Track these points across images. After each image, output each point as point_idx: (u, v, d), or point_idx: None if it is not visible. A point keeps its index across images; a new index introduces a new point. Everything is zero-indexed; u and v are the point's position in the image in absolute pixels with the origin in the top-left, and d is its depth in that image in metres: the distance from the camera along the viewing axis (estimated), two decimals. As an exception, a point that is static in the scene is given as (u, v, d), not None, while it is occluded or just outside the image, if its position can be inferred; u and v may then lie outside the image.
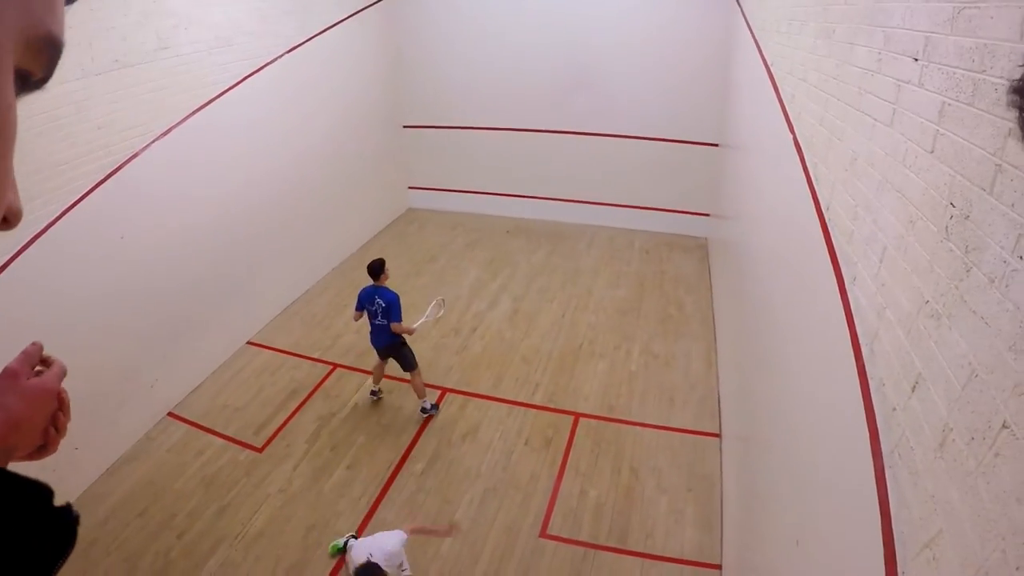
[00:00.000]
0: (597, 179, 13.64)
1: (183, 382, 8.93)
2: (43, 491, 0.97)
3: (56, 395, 1.22)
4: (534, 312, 10.61)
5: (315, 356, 9.67)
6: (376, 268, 7.94)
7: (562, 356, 9.43)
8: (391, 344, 8.09)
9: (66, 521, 1.02)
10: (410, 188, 15.30)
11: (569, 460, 7.49)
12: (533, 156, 13.89)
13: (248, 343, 10.06)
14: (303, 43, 10.60)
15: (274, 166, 10.22)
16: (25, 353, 1.20)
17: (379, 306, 7.89)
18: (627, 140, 13.03)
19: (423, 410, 8.28)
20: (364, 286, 8.09)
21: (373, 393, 8.63)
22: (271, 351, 9.87)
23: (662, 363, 9.19)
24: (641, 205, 13.50)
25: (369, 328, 8.17)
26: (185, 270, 8.61)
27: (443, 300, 9.04)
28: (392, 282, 10.61)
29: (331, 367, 9.38)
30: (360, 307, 8.00)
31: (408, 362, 8.15)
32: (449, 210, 15.02)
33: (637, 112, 12.76)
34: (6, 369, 1.16)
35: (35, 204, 6.53)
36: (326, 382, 9.07)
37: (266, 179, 10.06)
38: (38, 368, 1.23)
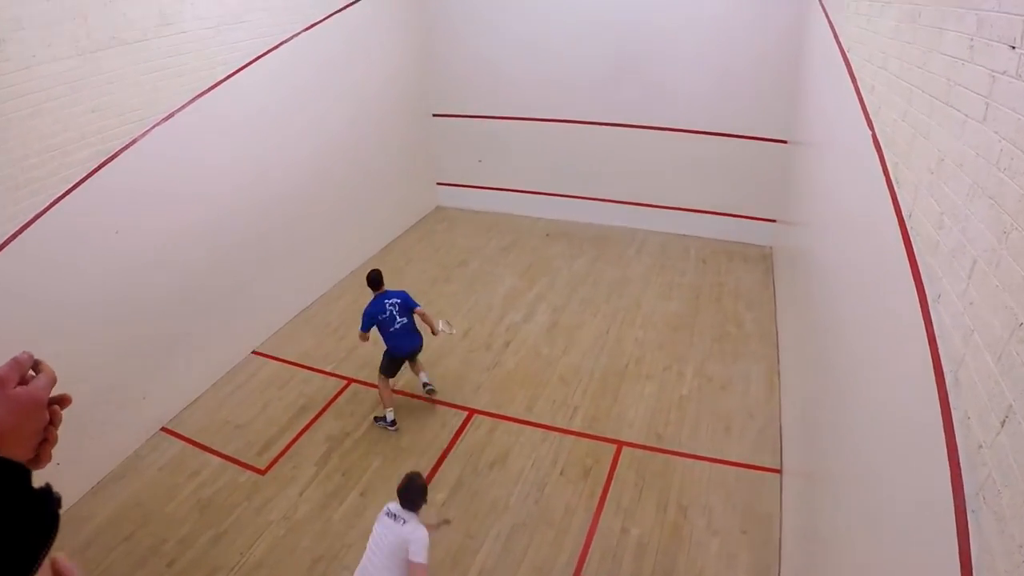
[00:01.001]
0: (649, 178, 13.60)
1: (179, 394, 9.05)
2: (18, 471, 0.99)
3: (44, 404, 1.24)
4: (575, 326, 10.61)
5: (328, 369, 9.76)
6: (377, 278, 8.57)
7: (605, 376, 9.41)
8: (420, 344, 8.65)
9: (46, 503, 1.03)
10: (439, 184, 15.41)
11: (609, 494, 7.44)
12: (577, 151, 13.90)
13: (253, 353, 10.18)
14: (322, 20, 10.72)
15: (288, 157, 10.36)
16: (15, 360, 1.23)
17: (394, 306, 8.39)
18: (683, 135, 12.98)
19: (380, 420, 8.61)
20: (367, 304, 8.54)
21: (392, 423, 8.50)
22: (279, 362, 9.98)
23: (717, 387, 9.12)
24: (698, 208, 13.44)
25: (388, 341, 8.46)
26: (185, 270, 8.73)
27: (449, 323, 9.01)
28: (417, 288, 10.71)
29: (345, 382, 9.45)
30: (369, 324, 8.39)
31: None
32: (482, 209, 15.09)
33: (695, 103, 12.71)
34: None
35: (21, 194, 6.66)
36: (339, 399, 9.13)
37: (278, 171, 10.20)
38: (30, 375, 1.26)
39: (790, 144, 11.77)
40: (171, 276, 8.51)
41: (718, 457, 7.91)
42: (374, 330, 8.46)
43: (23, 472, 1.02)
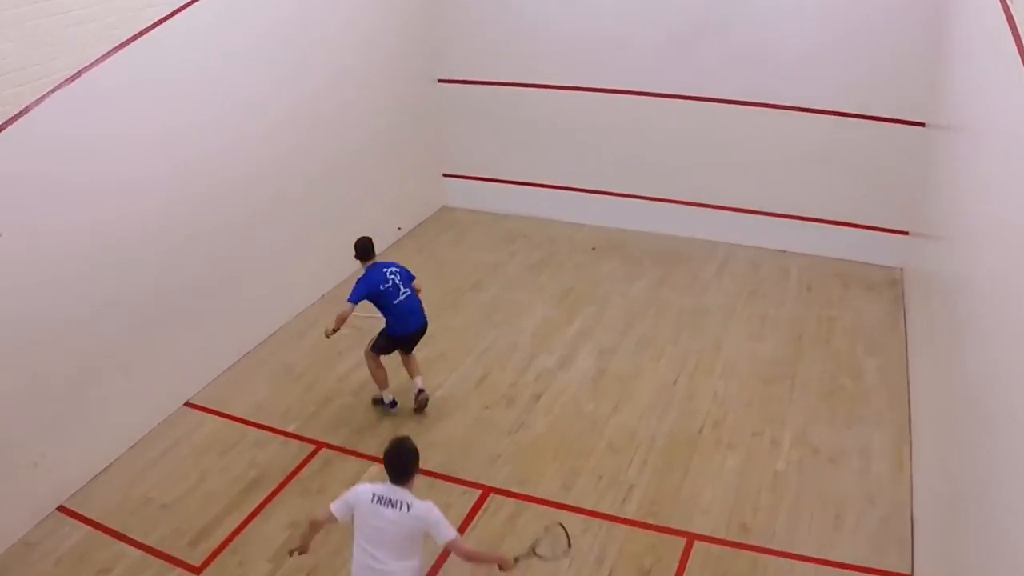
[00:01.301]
0: (734, 172, 13.61)
1: (84, 461, 9.01)
2: None
3: None
4: (630, 375, 10.61)
5: (289, 430, 9.80)
6: (368, 245, 9.65)
7: (671, 445, 9.37)
8: (426, 323, 9.80)
9: None
10: (445, 176, 15.51)
11: (677, 607, 7.44)
12: (633, 133, 13.96)
13: (187, 405, 10.25)
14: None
15: (238, 138, 10.42)
16: None
17: (394, 275, 9.49)
18: (782, 113, 12.98)
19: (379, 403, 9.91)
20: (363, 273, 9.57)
21: (392, 404, 9.87)
22: (222, 418, 10.03)
23: (825, 461, 9.05)
24: (802, 215, 13.44)
25: (389, 316, 9.51)
26: (91, 291, 8.70)
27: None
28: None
29: (314, 447, 9.48)
30: (364, 293, 9.35)
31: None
32: (503, 212, 15.17)
33: (797, 70, 12.70)
34: None
35: None
36: (304, 470, 9.15)
37: (226, 158, 10.24)
38: None
39: (930, 128, 11.71)
40: (75, 297, 8.47)
41: (825, 557, 7.83)
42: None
43: None
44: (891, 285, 12.61)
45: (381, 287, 9.26)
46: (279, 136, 11.05)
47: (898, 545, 7.92)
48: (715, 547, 7.99)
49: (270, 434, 9.72)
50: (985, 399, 5.59)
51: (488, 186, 15.22)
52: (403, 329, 9.47)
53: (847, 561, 7.78)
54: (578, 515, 8.39)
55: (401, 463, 6.03)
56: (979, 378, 5.92)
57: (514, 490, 8.77)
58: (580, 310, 12.10)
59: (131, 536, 8.29)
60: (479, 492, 8.73)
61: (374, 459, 9.04)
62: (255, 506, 8.64)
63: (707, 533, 8.15)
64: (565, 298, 12.43)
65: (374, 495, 5.99)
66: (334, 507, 6.13)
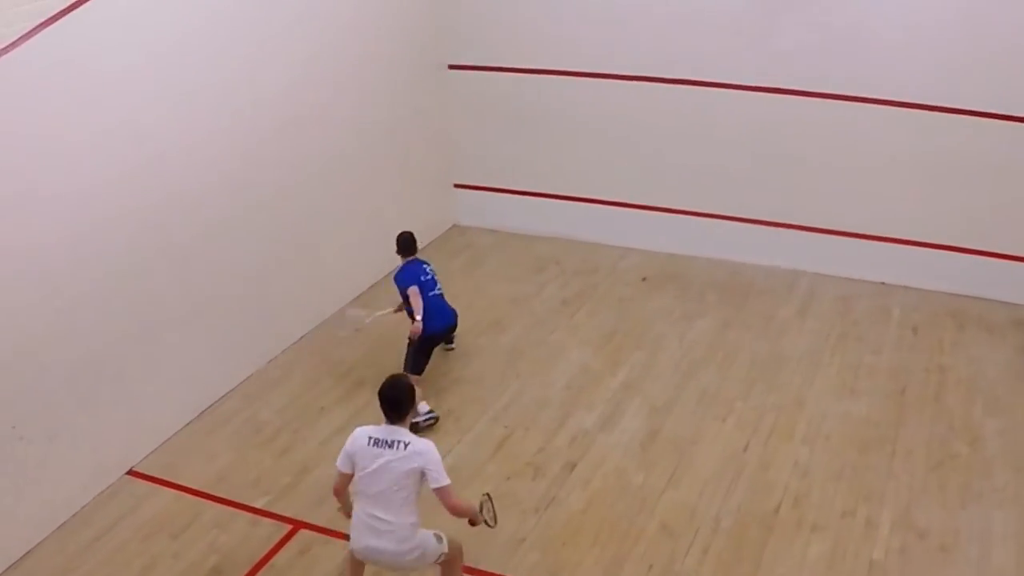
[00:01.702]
0: (820, 184, 13.70)
1: (4, 543, 8.96)
2: None
3: None
4: (689, 439, 10.66)
5: (259, 506, 9.83)
6: (411, 240, 11.47)
7: (741, 527, 9.39)
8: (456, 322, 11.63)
9: None
10: (457, 187, 15.65)
11: None
12: (694, 136, 14.08)
13: (130, 473, 10.30)
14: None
15: (197, 140, 10.48)
16: None
17: (431, 270, 11.45)
18: (880, 109, 13.03)
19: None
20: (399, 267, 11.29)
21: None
22: (174, 490, 10.07)
23: (935, 548, 9.05)
24: (905, 238, 13.51)
25: (426, 312, 10.90)
26: (15, 329, 8.73)
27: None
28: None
29: (289, 527, 9.51)
30: (412, 280, 11.09)
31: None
32: (527, 232, 15.33)
33: (901, 57, 12.75)
34: None
35: None
36: (277, 556, 9.16)
37: (183, 164, 10.30)
38: None
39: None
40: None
41: (934, 670, 7.95)
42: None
43: None
44: (1017, 327, 12.66)
45: (420, 280, 10.99)
46: (248, 137, 11.14)
47: (1026, 654, 8.02)
48: (797, 657, 8.12)
49: (234, 511, 9.73)
50: None
51: (510, 199, 15.35)
52: (439, 321, 11.09)
53: (962, 675, 7.88)
54: (624, 615, 8.51)
55: (395, 399, 7.03)
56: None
57: (544, 581, 8.90)
58: (626, 357, 12.19)
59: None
60: (498, 585, 8.87)
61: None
62: (217, 603, 8.74)
63: (786, 639, 8.26)
64: (608, 342, 12.53)
65: (370, 438, 7.00)
66: (338, 462, 7.20)
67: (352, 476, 7.13)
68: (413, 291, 10.85)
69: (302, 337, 12.52)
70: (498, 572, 8.88)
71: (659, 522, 9.47)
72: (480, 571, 8.84)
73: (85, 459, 9.79)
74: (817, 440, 10.59)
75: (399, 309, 11.44)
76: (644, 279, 14.01)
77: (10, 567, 8.99)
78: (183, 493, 10.03)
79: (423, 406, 10.58)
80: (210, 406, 11.35)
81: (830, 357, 12.12)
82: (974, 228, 13.08)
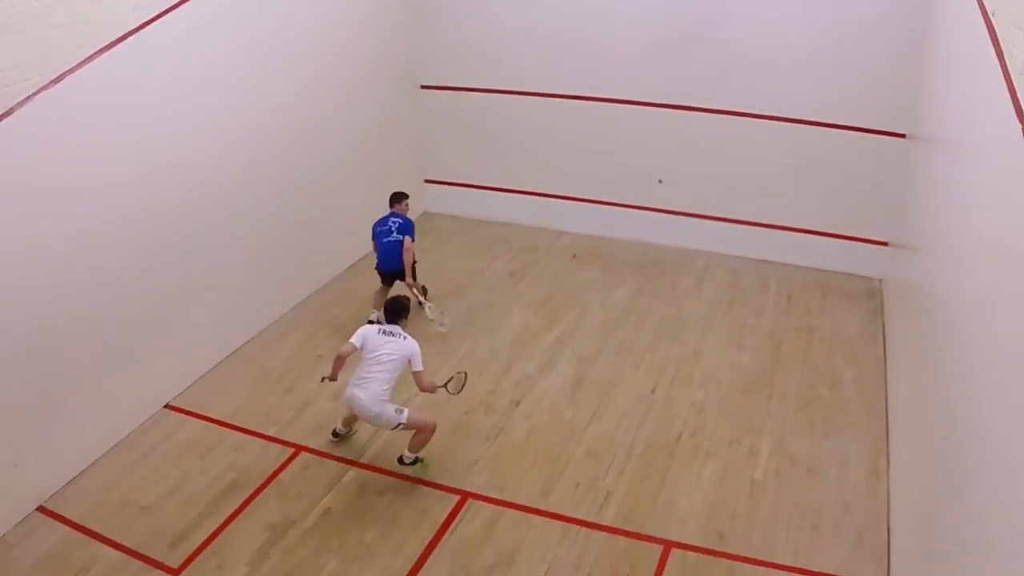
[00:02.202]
0: (715, 181, 13.67)
1: (63, 463, 8.99)
2: None
3: None
4: (609, 382, 10.64)
5: (269, 433, 9.79)
6: (400, 195, 11.97)
7: (649, 452, 9.41)
8: (398, 269, 11.59)
9: None
10: (427, 182, 15.51)
11: (653, 615, 7.47)
12: (617, 142, 14.00)
13: (167, 407, 10.23)
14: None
15: (218, 143, 10.41)
16: None
17: (394, 224, 11.59)
18: (763, 123, 13.04)
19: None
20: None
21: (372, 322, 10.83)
22: (201, 421, 10.02)
23: (803, 471, 9.11)
24: (782, 224, 13.52)
25: (376, 251, 11.64)
26: (74, 294, 8.70)
27: (443, 314, 10.63)
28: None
29: (292, 450, 9.47)
30: (373, 237, 11.75)
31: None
32: (484, 218, 15.21)
33: (781, 80, 12.77)
34: None
35: None
36: (283, 473, 9.14)
37: (205, 162, 10.23)
38: None
39: (911, 139, 11.79)
40: (53, 300, 8.46)
41: (802, 567, 7.87)
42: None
43: None
44: (870, 296, 12.70)
45: (379, 229, 11.62)
46: (257, 143, 11.01)
47: (874, 554, 7.98)
48: (692, 555, 8.03)
49: (249, 437, 9.70)
50: (962, 411, 5.64)
51: (469, 192, 15.23)
52: (380, 266, 11.70)
53: (824, 570, 7.83)
54: (556, 521, 8.42)
55: (397, 307, 9.20)
56: (956, 390, 5.97)
57: (492, 496, 8.78)
58: (560, 317, 12.13)
59: (110, 537, 8.26)
60: (457, 497, 8.75)
61: (352, 463, 9.13)
62: (234, 509, 8.63)
63: (684, 541, 8.19)
64: (545, 305, 12.46)
65: (380, 329, 8.89)
66: (353, 339, 8.77)
67: (356, 350, 8.70)
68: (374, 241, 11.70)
69: (301, 301, 12.39)
70: (457, 486, 8.90)
71: (585, 448, 9.47)
72: (442, 486, 8.85)
73: (132, 396, 9.80)
74: (710, 384, 10.60)
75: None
76: (574, 256, 13.92)
77: (71, 480, 9.04)
78: (209, 423, 10.00)
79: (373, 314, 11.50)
80: (229, 355, 11.24)
81: (721, 319, 12.10)
82: (835, 217, 13.13)
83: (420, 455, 8.93)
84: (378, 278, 11.81)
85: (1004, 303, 4.93)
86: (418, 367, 8.61)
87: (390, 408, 8.55)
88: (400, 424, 8.61)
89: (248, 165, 10.96)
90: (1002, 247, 5.18)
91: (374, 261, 11.75)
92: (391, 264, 11.46)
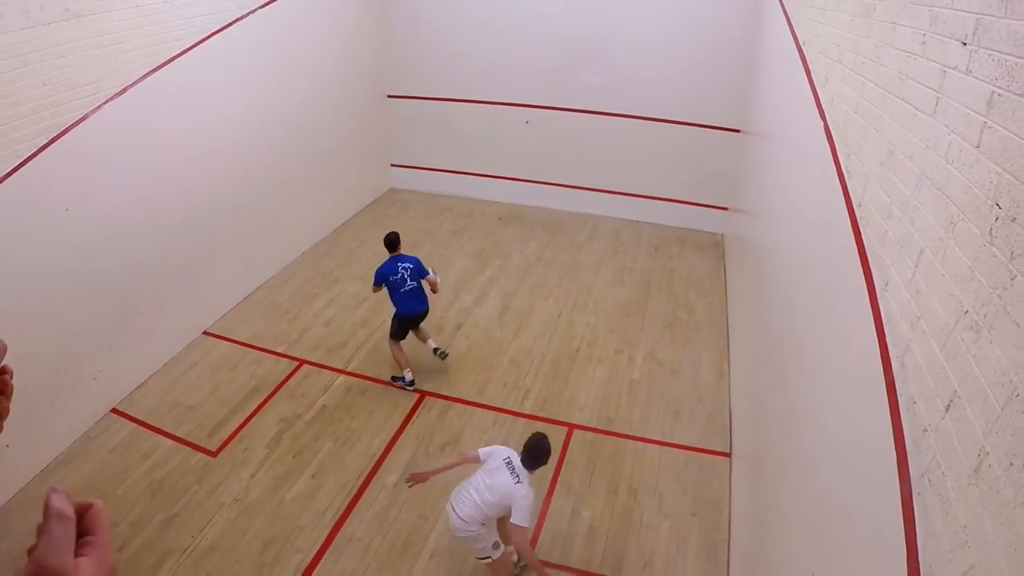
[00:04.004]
0: (602, 164, 13.68)
1: (129, 375, 8.91)
2: None
3: None
4: (526, 310, 10.65)
5: (279, 351, 9.68)
6: (394, 239, 8.81)
7: (556, 360, 9.47)
8: (423, 312, 8.90)
9: None
10: (392, 166, 15.31)
11: (560, 477, 7.51)
12: (531, 135, 13.90)
13: (204, 333, 10.07)
14: (278, -2, 10.63)
15: (239, 137, 10.22)
16: None
17: (405, 270, 8.61)
18: (637, 121, 13.06)
19: (398, 380, 9.00)
20: (381, 263, 8.82)
21: (411, 383, 8.86)
22: (230, 343, 9.88)
23: (668, 372, 9.23)
24: (651, 195, 13.56)
25: (397, 303, 8.70)
26: (135, 250, 8.58)
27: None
28: (368, 271, 10.71)
29: (297, 363, 9.39)
30: (379, 282, 8.68)
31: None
32: (435, 192, 15.05)
33: (650, 90, 12.78)
34: None
35: (-31, 168, 6.52)
36: (290, 380, 9.07)
37: (229, 151, 10.05)
38: None
39: (743, 133, 11.92)
40: (121, 255, 8.35)
41: (668, 441, 8.01)
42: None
43: None
44: (715, 246, 12.79)
45: (390, 279, 8.57)
46: (267, 138, 10.79)
47: (721, 432, 8.13)
48: (589, 434, 8.13)
49: (265, 354, 9.58)
50: (777, 327, 5.75)
51: (425, 173, 15.03)
52: (407, 313, 8.70)
53: (684, 444, 7.96)
54: (489, 411, 8.46)
55: (534, 456, 5.76)
56: (774, 312, 6.08)
57: (443, 393, 8.80)
58: (490, 263, 12.07)
59: (165, 430, 8.21)
60: (417, 395, 8.76)
61: (341, 371, 9.10)
62: (255, 407, 8.57)
63: (583, 424, 8.28)
64: (479, 255, 12.38)
65: (509, 459, 5.81)
66: (480, 450, 6.00)
67: (478, 459, 5.97)
68: (380, 289, 8.76)
69: (302, 253, 12.22)
70: (418, 388, 8.90)
71: (510, 358, 9.48)
72: (400, 388, 8.83)
73: (178, 325, 9.67)
74: (599, 310, 10.63)
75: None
76: (500, 219, 13.84)
77: (136, 388, 8.93)
78: (235, 344, 9.84)
79: (408, 374, 8.83)
80: (249, 294, 11.01)
81: (607, 263, 12.12)
82: (690, 189, 13.19)
83: None
84: (400, 327, 9.10)
85: (806, 249, 5.02)
86: (521, 522, 5.54)
87: (488, 537, 5.93)
88: (488, 558, 5.99)
89: (262, 154, 10.75)
90: (804, 210, 5.26)
91: (355, 227, 11.29)
92: (416, 309, 8.80)
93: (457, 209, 14.32)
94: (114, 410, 8.54)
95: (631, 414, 8.46)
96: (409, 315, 8.77)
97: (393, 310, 8.79)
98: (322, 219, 13.03)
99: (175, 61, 8.75)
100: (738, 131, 12.24)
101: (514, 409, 8.54)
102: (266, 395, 8.79)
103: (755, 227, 8.61)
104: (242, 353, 9.67)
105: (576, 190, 14.07)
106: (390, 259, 8.71)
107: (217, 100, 9.68)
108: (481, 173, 14.68)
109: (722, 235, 13.10)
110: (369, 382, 8.97)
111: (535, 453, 5.76)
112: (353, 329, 10.13)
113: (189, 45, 8.96)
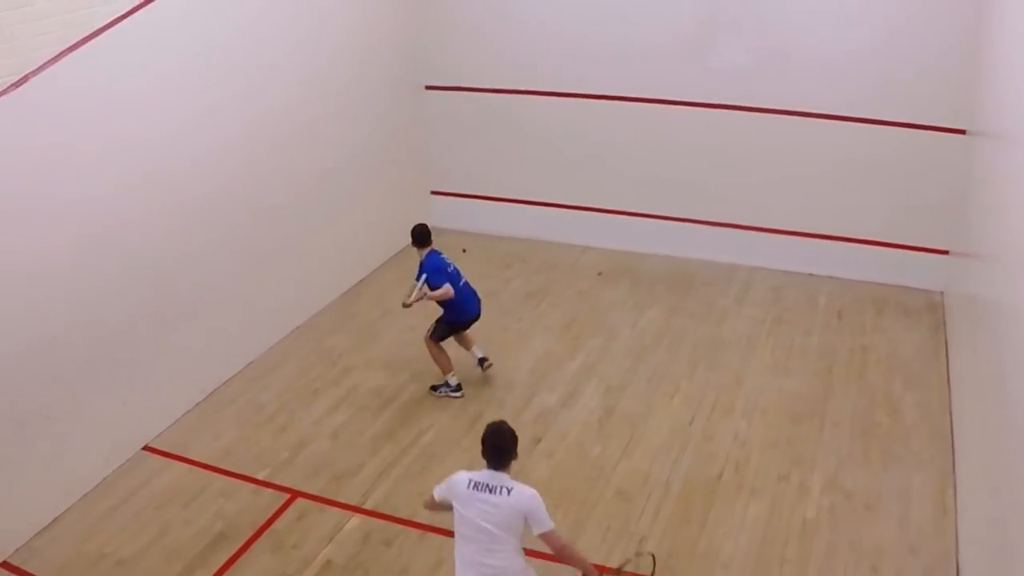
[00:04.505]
0: (755, 188, 13.69)
1: (29, 512, 8.95)
2: None
3: None
4: (641, 414, 10.61)
5: (261, 477, 9.76)
6: (426, 232, 10.62)
7: (688, 491, 9.36)
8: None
9: None
10: (433, 193, 15.54)
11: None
12: (640, 145, 14.05)
13: (146, 449, 10.22)
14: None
15: (201, 151, 10.42)
16: None
17: (454, 261, 10.86)
18: (807, 121, 13.06)
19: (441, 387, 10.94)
20: (427, 256, 10.65)
21: (458, 388, 10.90)
22: (184, 464, 10.01)
23: (860, 507, 9.04)
24: (829, 234, 13.50)
25: (455, 303, 10.60)
26: (39, 321, 8.70)
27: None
28: (398, 353, 10.87)
29: (288, 496, 9.45)
30: (444, 276, 10.49)
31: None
32: (495, 233, 15.23)
33: (823, 75, 12.80)
34: None
35: None
36: (278, 522, 9.10)
37: (188, 171, 10.27)
38: None
39: (971, 135, 11.78)
40: (15, 329, 8.48)
41: (866, 616, 7.88)
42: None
43: None
44: (931, 310, 12.66)
45: (449, 269, 10.47)
46: (249, 149, 11.07)
47: (944, 598, 7.95)
48: (739, 607, 8.03)
49: (238, 482, 9.69)
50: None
51: (480, 204, 15.25)
52: (468, 314, 10.69)
53: (889, 618, 7.81)
54: (584, 571, 8.40)
55: (499, 446, 6.28)
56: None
57: (514, 541, 8.75)
58: (584, 342, 12.13)
59: (80, 599, 8.28)
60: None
61: (355, 509, 9.11)
62: (222, 563, 8.60)
63: (729, 589, 8.17)
64: (567, 329, 12.47)
65: (470, 481, 6.26)
66: (436, 490, 6.52)
67: (439, 504, 6.55)
68: (447, 288, 10.36)
69: (296, 328, 12.43)
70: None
71: (615, 488, 9.44)
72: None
73: (105, 436, 9.79)
74: (755, 413, 10.56)
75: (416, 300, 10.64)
76: (599, 274, 13.94)
77: (40, 531, 9.03)
78: (193, 466, 10.00)
79: (452, 379, 10.79)
80: (216, 389, 11.25)
81: (765, 339, 12.08)
82: (889, 224, 13.11)
83: None
84: (450, 330, 10.91)
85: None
86: (545, 526, 6.08)
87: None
88: None
89: (239, 177, 11.03)
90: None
91: (379, 286, 11.69)
92: (478, 309, 10.91)
93: (532, 260, 14.44)
94: (5, 564, 8.63)
95: (804, 572, 8.31)
96: (469, 317, 10.39)
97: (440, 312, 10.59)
98: (327, 277, 13.22)
99: (103, 35, 8.93)
100: (963, 132, 12.11)
101: (623, 568, 8.44)
102: (240, 544, 8.81)
103: (1000, 279, 8.45)
104: (203, 480, 9.76)
105: (716, 228, 14.09)
106: (432, 252, 10.64)
107: (167, 95, 9.91)
108: (566, 204, 14.80)
109: (942, 293, 12.93)
110: (399, 525, 8.98)
111: (500, 444, 6.32)
112: (374, 444, 10.18)
113: (125, 11, 9.15)
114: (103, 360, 9.53)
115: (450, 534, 8.65)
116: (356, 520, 9.05)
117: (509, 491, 6.10)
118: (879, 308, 12.76)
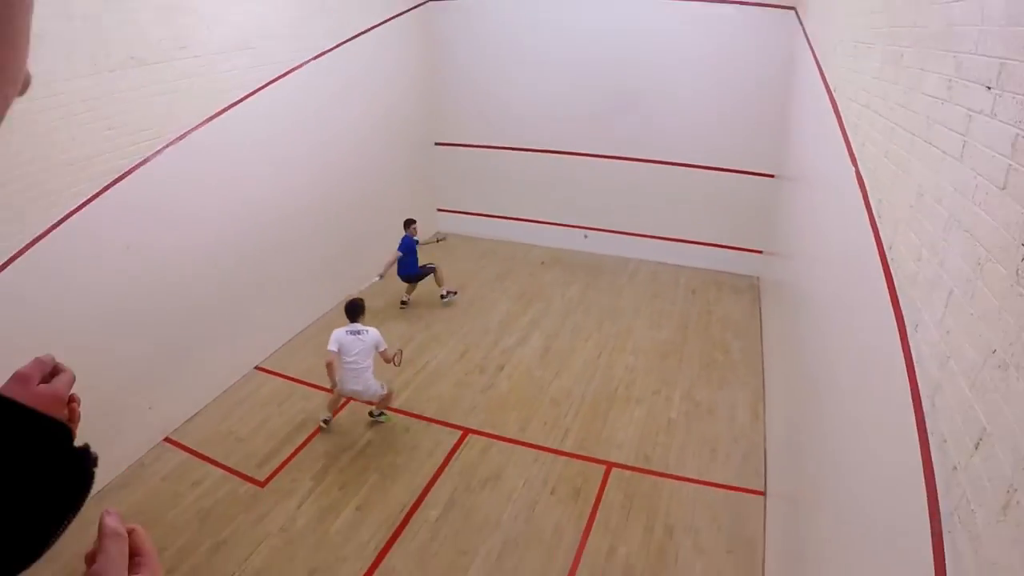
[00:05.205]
0: (641, 209, 13.67)
1: (183, 406, 9.03)
2: (61, 430, 1.03)
3: (65, 402, 1.27)
4: (567, 351, 10.61)
5: (328, 387, 9.67)
6: (356, 306, 9.52)
7: (596, 400, 9.40)
8: (418, 274, 11.93)
9: (83, 463, 1.07)
10: (439, 211, 15.46)
11: (598, 514, 7.43)
12: (573, 182, 13.97)
13: (256, 368, 10.18)
14: (332, 49, 10.84)
15: (293, 181, 10.40)
16: (37, 360, 1.26)
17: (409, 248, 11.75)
18: (675, 168, 13.06)
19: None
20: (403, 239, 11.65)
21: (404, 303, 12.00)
22: (281, 378, 9.97)
23: (704, 412, 9.12)
24: (688, 239, 13.50)
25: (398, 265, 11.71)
26: (192, 286, 8.75)
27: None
28: (414, 312, 10.81)
29: (344, 400, 9.40)
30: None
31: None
32: (480, 236, 15.13)
33: (688, 138, 12.80)
34: (17, 374, 1.22)
35: (37, 207, 6.70)
36: (337, 416, 9.09)
37: (284, 194, 10.23)
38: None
39: (777, 178, 11.83)
40: (177, 292, 8.51)
41: (704, 479, 7.89)
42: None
43: (65, 431, 1.07)
44: (750, 289, 12.68)
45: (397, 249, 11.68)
46: (320, 181, 10.99)
47: (756, 470, 7.99)
48: (626, 472, 8.04)
49: (314, 390, 9.62)
50: (811, 367, 5.67)
51: (470, 218, 15.17)
52: (402, 272, 11.81)
53: (720, 482, 7.84)
54: (530, 449, 8.40)
55: (355, 308, 8.50)
56: (807, 353, 6.00)
57: (485, 431, 8.76)
58: (532, 305, 12.06)
59: (216, 459, 8.28)
60: (460, 432, 8.72)
61: (388, 409, 9.04)
62: (302, 441, 8.61)
63: (621, 462, 8.19)
64: (521, 297, 12.40)
65: (348, 331, 8.29)
66: (331, 347, 8.17)
67: (339, 354, 8.17)
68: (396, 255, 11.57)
69: (348, 294, 12.29)
70: (460, 424, 8.88)
71: (550, 398, 9.44)
72: (450, 424, 8.87)
73: (230, 360, 9.81)
74: (638, 352, 10.55)
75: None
76: (542, 263, 13.87)
77: (189, 419, 9.06)
78: (285, 380, 9.93)
79: (443, 290, 12.02)
80: (299, 332, 11.14)
81: (645, 306, 12.06)
82: (726, 233, 13.13)
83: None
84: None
85: (838, 290, 4.96)
86: (383, 346, 8.33)
87: (376, 384, 8.46)
88: (380, 395, 8.54)
89: (315, 196, 10.93)
90: (836, 252, 5.21)
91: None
92: (412, 269, 11.82)
93: (501, 253, 14.38)
94: (167, 439, 8.64)
95: (668, 453, 8.35)
96: (403, 274, 11.89)
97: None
98: (372, 260, 13.06)
99: (232, 109, 8.97)
100: (773, 176, 12.16)
101: (554, 447, 8.46)
102: (313, 429, 8.82)
103: (790, 270, 8.53)
104: (292, 388, 9.73)
105: (616, 235, 14.05)
106: (405, 236, 11.75)
107: (272, 147, 9.87)
108: (524, 218, 14.73)
109: (758, 278, 12.97)
110: (412, 418, 8.97)
111: (354, 308, 8.51)
112: (400, 371, 10.12)
113: (245, 94, 9.18)
114: (230, 311, 9.48)
115: (443, 423, 8.76)
116: (388, 415, 9.01)
117: (367, 331, 8.29)
118: (719, 287, 12.76)
